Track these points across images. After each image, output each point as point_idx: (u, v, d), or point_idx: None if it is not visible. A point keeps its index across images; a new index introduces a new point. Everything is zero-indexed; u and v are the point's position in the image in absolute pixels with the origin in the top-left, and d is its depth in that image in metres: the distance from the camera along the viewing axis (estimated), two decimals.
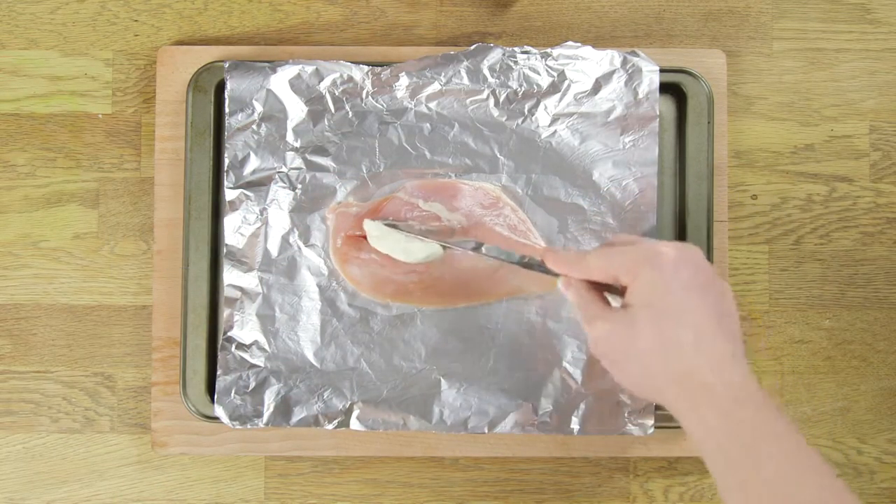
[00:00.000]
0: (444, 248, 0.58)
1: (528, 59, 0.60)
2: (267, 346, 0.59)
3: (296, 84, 0.60)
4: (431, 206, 0.59)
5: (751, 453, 0.42)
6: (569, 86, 0.60)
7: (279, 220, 0.60)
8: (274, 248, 0.60)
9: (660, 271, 0.46)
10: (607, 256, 0.49)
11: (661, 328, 0.45)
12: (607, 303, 0.50)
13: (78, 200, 0.64)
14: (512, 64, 0.60)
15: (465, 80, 0.60)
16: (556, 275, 0.52)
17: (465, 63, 0.60)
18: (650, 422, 0.58)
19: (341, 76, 0.60)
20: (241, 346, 0.59)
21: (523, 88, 0.60)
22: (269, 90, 0.60)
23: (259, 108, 0.60)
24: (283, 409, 0.59)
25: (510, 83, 0.60)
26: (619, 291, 0.50)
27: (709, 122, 0.61)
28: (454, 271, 0.59)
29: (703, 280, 0.46)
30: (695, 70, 0.61)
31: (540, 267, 0.53)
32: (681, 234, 0.61)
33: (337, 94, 0.60)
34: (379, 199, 0.60)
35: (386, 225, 0.58)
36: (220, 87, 0.61)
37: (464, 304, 0.60)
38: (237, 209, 0.60)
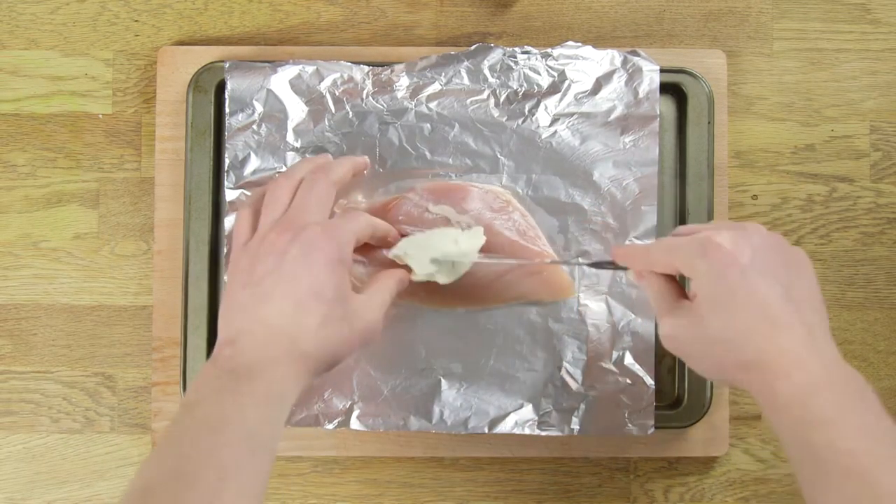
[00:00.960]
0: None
1: (529, 59, 0.60)
2: None
3: (296, 84, 0.60)
4: (441, 208, 0.58)
5: (826, 445, 0.41)
6: (569, 86, 0.60)
7: None
8: None
9: (716, 264, 0.45)
10: (668, 251, 0.48)
11: (725, 319, 0.44)
12: (682, 292, 0.49)
13: (78, 200, 0.64)
14: (512, 64, 0.60)
15: (466, 81, 0.60)
16: (625, 268, 0.52)
17: (466, 63, 0.60)
18: (650, 422, 0.58)
19: (341, 76, 0.60)
20: None
21: (524, 88, 0.60)
22: (269, 90, 0.60)
23: (259, 108, 0.60)
24: None
25: (510, 83, 0.60)
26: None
27: (709, 123, 0.61)
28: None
29: (764, 262, 0.45)
30: (695, 70, 0.61)
31: (610, 265, 0.53)
32: None
33: (337, 94, 0.60)
34: (387, 199, 0.59)
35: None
36: (221, 87, 0.61)
37: (468, 308, 0.60)
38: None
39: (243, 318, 0.47)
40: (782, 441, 0.44)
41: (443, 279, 0.55)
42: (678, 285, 0.49)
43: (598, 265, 0.54)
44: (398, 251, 0.55)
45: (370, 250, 0.57)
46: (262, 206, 0.51)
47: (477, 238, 0.56)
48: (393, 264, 0.56)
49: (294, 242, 0.48)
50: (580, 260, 0.58)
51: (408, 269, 0.55)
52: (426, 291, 0.58)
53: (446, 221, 0.58)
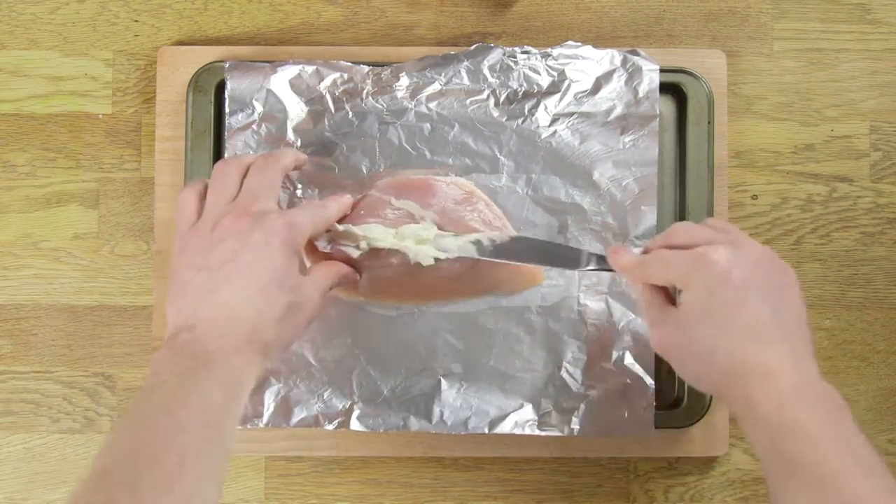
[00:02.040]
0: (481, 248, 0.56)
1: (529, 58, 0.60)
2: None
3: (296, 84, 0.60)
4: (404, 203, 0.58)
5: (792, 460, 0.42)
6: (569, 85, 0.60)
7: None
8: None
9: (710, 280, 0.46)
10: (663, 264, 0.49)
11: (713, 332, 0.46)
12: (670, 298, 0.51)
13: (78, 200, 0.64)
14: (512, 64, 0.60)
15: (466, 81, 0.60)
16: (612, 270, 0.53)
17: (466, 63, 0.60)
18: (650, 422, 0.58)
19: (341, 76, 0.60)
20: None
21: (523, 88, 0.60)
22: (269, 90, 0.60)
23: (259, 108, 0.60)
24: (283, 409, 0.59)
25: (510, 83, 0.60)
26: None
27: (709, 123, 0.61)
28: (431, 266, 0.57)
29: (756, 281, 0.46)
30: (695, 70, 0.61)
31: (601, 265, 0.54)
32: None
33: (337, 94, 0.60)
34: (357, 198, 0.58)
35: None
36: (220, 87, 0.61)
37: (442, 301, 0.59)
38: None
39: (200, 303, 0.47)
40: (757, 450, 0.45)
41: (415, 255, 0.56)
42: (667, 292, 0.51)
43: (598, 264, 0.54)
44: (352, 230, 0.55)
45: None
46: (209, 186, 0.51)
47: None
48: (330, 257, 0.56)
49: (255, 229, 0.48)
50: (592, 253, 0.58)
51: (344, 260, 0.55)
52: (397, 288, 0.58)
53: (409, 216, 0.58)
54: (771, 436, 0.43)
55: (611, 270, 0.53)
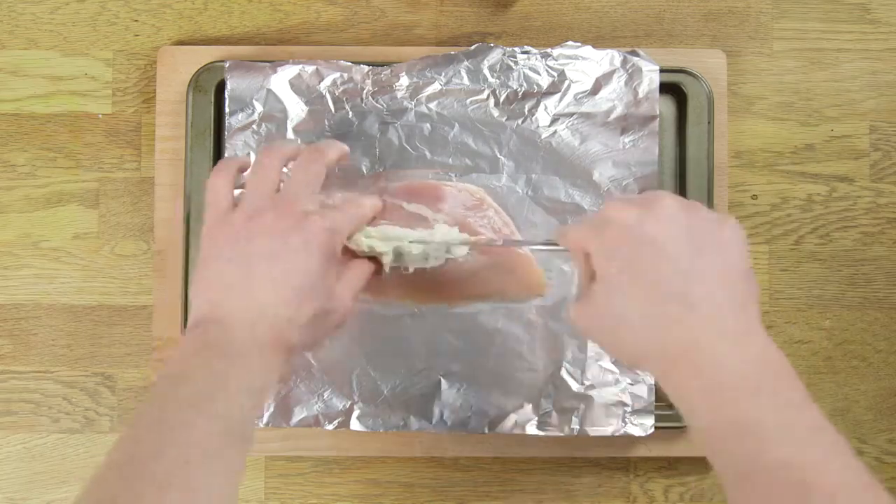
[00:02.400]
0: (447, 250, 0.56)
1: (529, 59, 0.60)
2: None
3: (296, 84, 0.60)
4: (415, 207, 0.58)
5: (746, 442, 0.38)
6: (569, 86, 0.60)
7: None
8: None
9: (608, 241, 0.43)
10: (575, 229, 0.46)
11: (620, 300, 0.42)
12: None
13: (78, 200, 0.64)
14: (512, 64, 0.60)
15: (466, 81, 0.60)
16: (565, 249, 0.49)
17: (466, 63, 0.60)
18: (650, 422, 0.58)
19: (341, 76, 0.60)
20: None
21: (523, 88, 0.60)
22: (269, 90, 0.60)
23: (259, 108, 0.60)
24: (283, 409, 0.59)
25: (510, 83, 0.60)
26: None
27: (709, 122, 0.61)
28: (434, 270, 0.56)
29: (666, 239, 0.41)
30: (695, 70, 0.61)
31: (552, 244, 0.50)
32: None
33: (337, 94, 0.60)
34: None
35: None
36: (220, 87, 0.61)
37: (443, 304, 0.59)
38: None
39: (232, 298, 0.46)
40: (706, 446, 0.40)
41: (413, 263, 0.55)
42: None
43: (550, 245, 0.51)
44: (369, 240, 0.54)
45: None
46: (250, 175, 0.50)
47: (453, 233, 0.55)
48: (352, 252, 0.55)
49: (296, 231, 0.47)
50: (530, 242, 0.57)
51: (376, 260, 0.54)
52: (400, 288, 0.58)
53: (421, 220, 0.58)
54: (720, 432, 0.39)
55: (561, 249, 0.49)
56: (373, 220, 0.56)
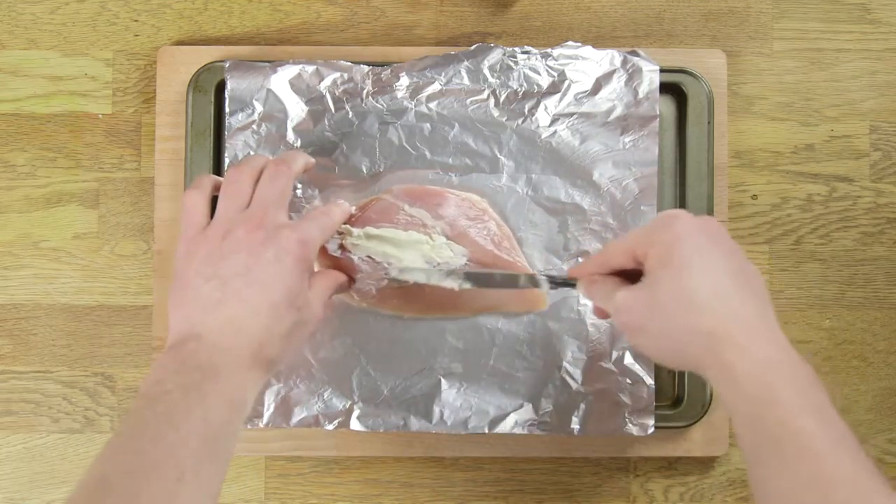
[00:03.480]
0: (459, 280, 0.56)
1: (529, 59, 0.60)
2: None
3: (296, 84, 0.60)
4: (416, 211, 0.58)
5: (777, 427, 0.41)
6: (569, 86, 0.60)
7: None
8: None
9: (675, 232, 0.45)
10: (625, 238, 0.48)
11: (680, 282, 0.44)
12: (625, 281, 0.49)
13: (78, 200, 0.64)
14: (512, 64, 0.60)
15: (466, 80, 0.60)
16: (574, 285, 0.52)
17: (466, 63, 0.60)
18: (650, 422, 0.58)
19: (341, 76, 0.60)
20: None
21: (523, 88, 0.60)
22: (269, 90, 0.60)
23: (259, 107, 0.60)
24: (283, 409, 0.59)
25: (510, 83, 0.60)
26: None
27: (709, 122, 0.61)
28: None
29: (722, 243, 0.45)
30: (695, 70, 0.61)
31: (564, 282, 0.53)
32: None
33: (337, 94, 0.60)
34: (365, 201, 0.59)
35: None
36: (220, 87, 0.61)
37: (440, 315, 0.59)
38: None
39: (209, 314, 0.47)
40: (735, 420, 0.43)
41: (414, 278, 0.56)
42: (624, 278, 0.49)
43: (556, 283, 0.53)
44: (369, 242, 0.56)
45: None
46: (221, 192, 0.50)
47: (458, 258, 0.57)
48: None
49: (268, 245, 0.47)
50: (544, 273, 0.58)
51: (350, 267, 0.55)
52: (400, 300, 0.58)
53: (420, 224, 0.58)
54: (750, 405, 0.42)
55: (571, 285, 0.52)
56: (372, 221, 0.56)
